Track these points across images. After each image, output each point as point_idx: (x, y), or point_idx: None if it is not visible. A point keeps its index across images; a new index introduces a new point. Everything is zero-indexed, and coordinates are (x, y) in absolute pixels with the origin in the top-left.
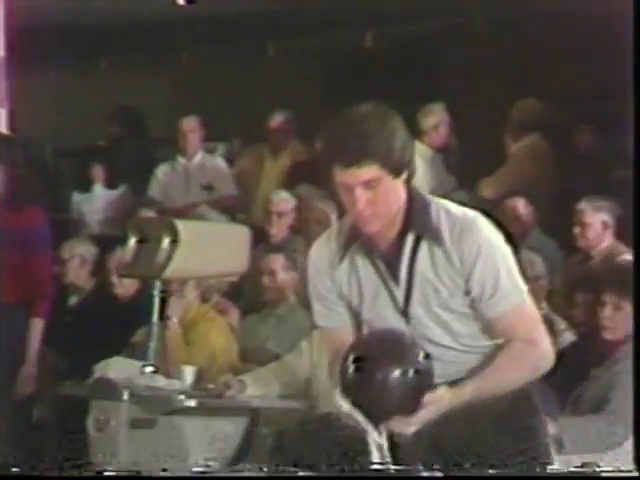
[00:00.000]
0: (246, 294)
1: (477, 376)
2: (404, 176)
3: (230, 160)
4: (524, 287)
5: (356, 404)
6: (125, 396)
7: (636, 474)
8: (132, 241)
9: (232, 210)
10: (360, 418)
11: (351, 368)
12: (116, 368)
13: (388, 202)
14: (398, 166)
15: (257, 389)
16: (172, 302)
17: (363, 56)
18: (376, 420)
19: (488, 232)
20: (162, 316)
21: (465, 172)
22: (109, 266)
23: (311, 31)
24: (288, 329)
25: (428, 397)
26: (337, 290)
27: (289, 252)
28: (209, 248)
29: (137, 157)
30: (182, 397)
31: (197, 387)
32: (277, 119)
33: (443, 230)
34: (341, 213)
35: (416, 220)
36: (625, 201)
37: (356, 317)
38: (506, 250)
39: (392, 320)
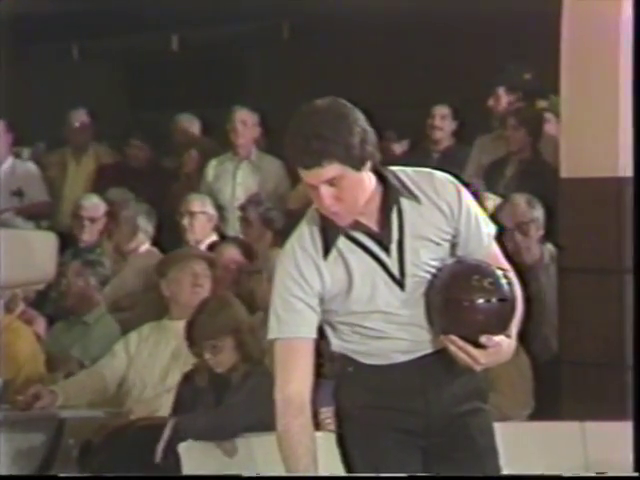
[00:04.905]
0: (52, 302)
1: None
2: (367, 166)
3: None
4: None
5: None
6: None
7: (636, 474)
8: None
9: (37, 217)
10: None
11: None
12: None
13: (354, 195)
14: (359, 160)
15: (68, 399)
16: None
17: (169, 58)
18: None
19: (452, 180)
20: None
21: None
22: None
23: (117, 32)
24: (94, 336)
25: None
26: (318, 288)
27: (93, 259)
28: (13, 256)
29: None
30: None
31: (3, 399)
32: (75, 118)
33: (415, 189)
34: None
35: (392, 192)
36: None
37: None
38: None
39: (387, 296)
